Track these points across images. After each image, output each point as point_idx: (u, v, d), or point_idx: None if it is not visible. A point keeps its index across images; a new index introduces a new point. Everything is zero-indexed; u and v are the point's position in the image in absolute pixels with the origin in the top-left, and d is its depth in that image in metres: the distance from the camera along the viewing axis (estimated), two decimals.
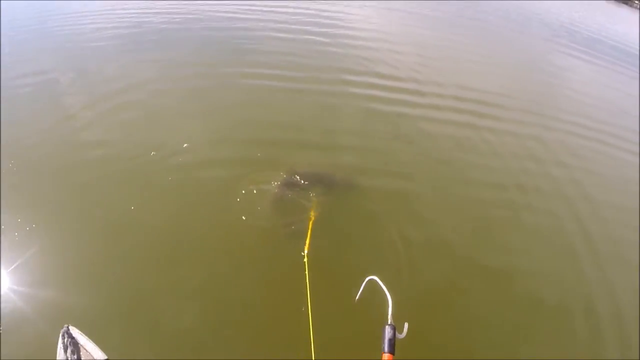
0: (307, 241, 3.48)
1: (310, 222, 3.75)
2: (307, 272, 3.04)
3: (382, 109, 6.36)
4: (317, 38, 8.52)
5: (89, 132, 4.91)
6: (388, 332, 1.54)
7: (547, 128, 6.87)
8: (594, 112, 8.10)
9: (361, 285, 1.88)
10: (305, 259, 3.25)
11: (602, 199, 5.23)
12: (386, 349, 1.50)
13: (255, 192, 4.07)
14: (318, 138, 5.33)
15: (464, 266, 3.81)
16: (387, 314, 1.64)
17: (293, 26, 8.94)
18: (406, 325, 1.58)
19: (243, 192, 4.04)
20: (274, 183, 4.21)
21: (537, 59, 10.69)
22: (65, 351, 2.23)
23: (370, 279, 1.84)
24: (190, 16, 8.85)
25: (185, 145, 4.67)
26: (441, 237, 4.06)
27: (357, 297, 1.90)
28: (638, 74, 11.16)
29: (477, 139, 6.05)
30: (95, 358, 2.26)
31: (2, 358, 2.59)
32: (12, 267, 3.18)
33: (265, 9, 9.75)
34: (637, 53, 13.27)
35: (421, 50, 9.20)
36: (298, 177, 4.29)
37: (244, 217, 3.78)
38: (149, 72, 6.50)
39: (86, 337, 2.35)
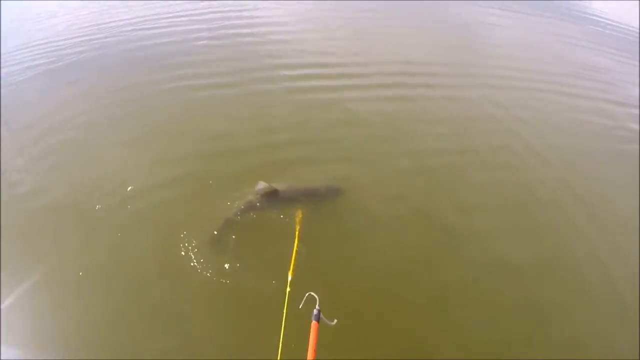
0: (292, 263, 3.09)
1: (296, 239, 3.43)
2: (285, 304, 2.71)
3: (327, 96, 6.28)
4: (246, 39, 8.17)
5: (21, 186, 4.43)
6: (315, 313, 2.35)
7: (492, 84, 7.16)
8: (532, 60, 8.49)
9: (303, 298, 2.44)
10: (288, 288, 2.82)
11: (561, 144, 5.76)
12: (314, 319, 2.33)
13: (211, 233, 3.80)
14: (263, 140, 5.18)
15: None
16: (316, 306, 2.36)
17: (219, 31, 8.49)
18: (335, 320, 2.33)
19: (194, 240, 3.71)
20: (231, 214, 3.93)
21: (466, 22, 10.90)
22: None
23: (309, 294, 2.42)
24: (105, 34, 8.14)
25: (129, 188, 4.30)
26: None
27: (300, 306, 2.44)
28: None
29: (432, 107, 6.24)
30: None
31: None
32: None
33: (182, 17, 9.13)
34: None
35: (346, 32, 9.10)
36: (258, 201, 4.00)
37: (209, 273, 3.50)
38: (74, 105, 5.88)
39: None
